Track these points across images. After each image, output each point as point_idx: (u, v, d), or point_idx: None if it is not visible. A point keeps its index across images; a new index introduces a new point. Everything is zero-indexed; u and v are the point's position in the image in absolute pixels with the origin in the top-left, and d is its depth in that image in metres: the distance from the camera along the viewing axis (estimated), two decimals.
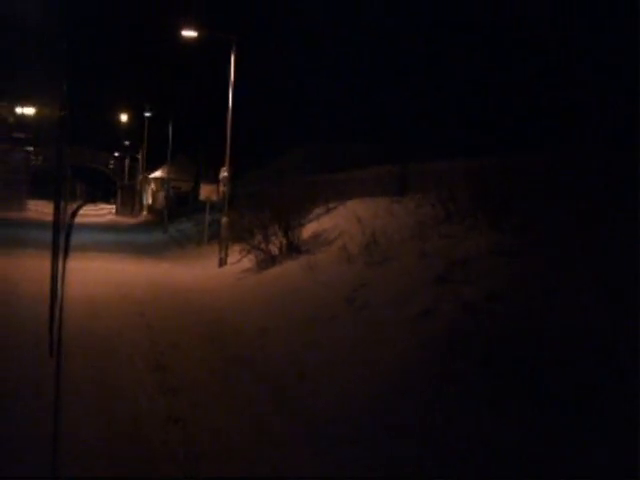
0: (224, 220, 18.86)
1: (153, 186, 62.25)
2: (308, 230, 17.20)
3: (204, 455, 5.50)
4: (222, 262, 18.40)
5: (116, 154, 73.76)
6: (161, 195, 51.72)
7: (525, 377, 5.99)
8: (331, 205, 18.70)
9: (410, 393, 6.61)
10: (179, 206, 46.52)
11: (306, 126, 41.45)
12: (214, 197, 23.08)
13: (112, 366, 7.98)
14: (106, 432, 5.84)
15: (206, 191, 23.24)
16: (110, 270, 17.27)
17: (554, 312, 6.87)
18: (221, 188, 20.29)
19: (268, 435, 6.06)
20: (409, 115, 29.51)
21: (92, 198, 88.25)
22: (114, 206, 73.44)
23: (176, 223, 37.25)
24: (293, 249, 16.08)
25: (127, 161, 71.46)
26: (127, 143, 66.01)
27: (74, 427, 5.79)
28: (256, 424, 6.32)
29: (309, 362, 8.24)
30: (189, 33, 19.86)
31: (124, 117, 64.10)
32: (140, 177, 63.02)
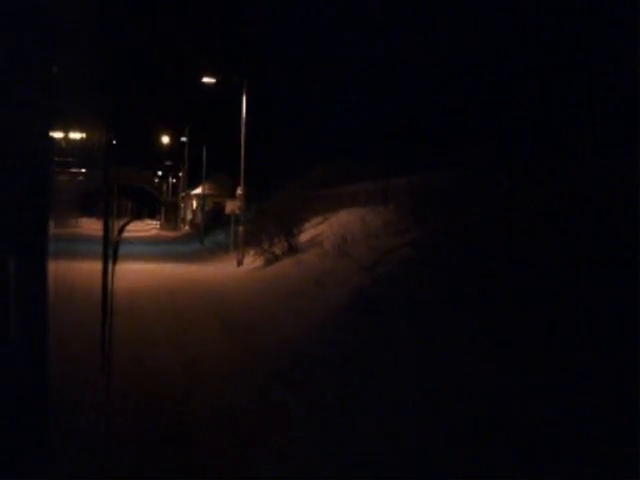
0: (240, 230, 23.18)
1: (194, 202, 67.19)
2: (307, 235, 21.35)
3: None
4: (239, 263, 22.69)
5: (159, 173, 79.19)
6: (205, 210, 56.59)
7: (387, 318, 10.05)
8: (327, 215, 22.82)
9: (329, 323, 10.69)
10: (216, 220, 51.14)
11: (326, 147, 45.75)
12: (237, 211, 27.37)
13: (146, 318, 12.19)
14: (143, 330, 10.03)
15: (230, 206, 27.55)
16: (149, 270, 21.68)
17: (425, 284, 10.89)
18: (237, 203, 24.63)
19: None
20: (403, 134, 33.38)
21: (138, 215, 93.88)
22: (158, 222, 78.71)
23: (212, 235, 41.72)
24: (292, 250, 20.24)
25: (170, 179, 76.83)
26: (169, 163, 71.22)
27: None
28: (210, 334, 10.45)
29: (273, 317, 12.40)
30: (208, 79, 24.41)
31: (165, 139, 69.29)
32: (182, 194, 68.10)
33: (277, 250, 20.61)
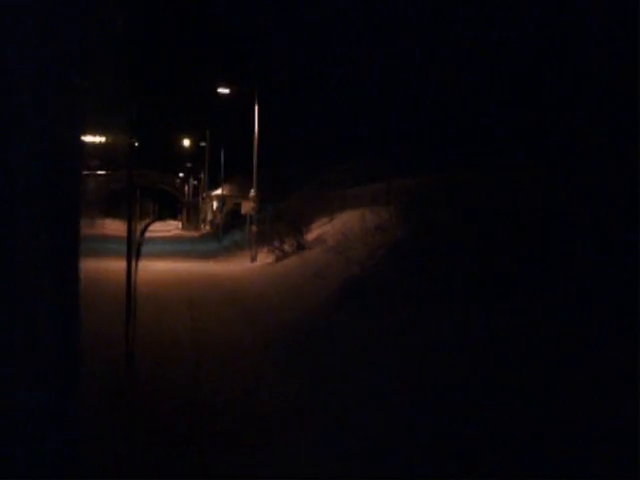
0: (253, 229, 25.14)
1: (215, 203, 69.30)
2: (314, 234, 23.20)
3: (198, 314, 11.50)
4: (253, 259, 24.63)
5: (181, 175, 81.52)
6: (224, 210, 58.82)
7: (369, 298, 11.87)
8: (334, 215, 24.66)
9: (321, 306, 12.52)
10: (235, 220, 53.17)
11: (342, 148, 47.60)
12: (252, 211, 29.32)
13: (161, 310, 14.08)
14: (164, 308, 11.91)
15: (246, 206, 29.52)
16: (169, 266, 23.70)
17: (400, 272, 12.69)
18: (251, 204, 26.61)
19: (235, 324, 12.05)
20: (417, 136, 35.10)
21: (161, 216, 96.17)
22: (180, 222, 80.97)
23: (230, 234, 43.71)
24: (300, 248, 22.10)
25: (191, 181, 79.17)
26: (189, 165, 73.47)
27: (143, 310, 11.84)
28: (225, 320, 12.30)
29: (279, 302, 14.27)
30: (223, 90, 26.51)
31: (187, 142, 71.53)
32: (204, 195, 70.35)
33: (287, 248, 22.49)
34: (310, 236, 23.02)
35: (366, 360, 8.41)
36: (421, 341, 8.49)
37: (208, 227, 66.14)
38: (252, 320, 12.58)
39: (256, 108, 25.30)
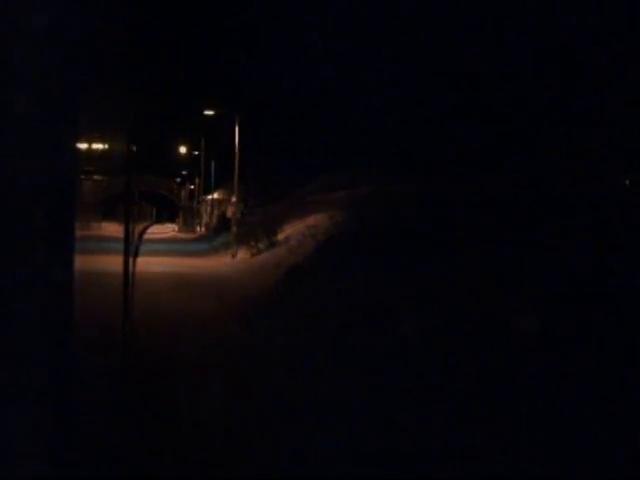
0: (234, 230, 29.75)
1: (209, 207, 73.67)
2: (284, 234, 27.69)
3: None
4: (233, 256, 29.19)
5: (177, 180, 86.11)
6: (214, 214, 63.44)
7: (305, 275, 16.32)
8: (304, 218, 29.14)
9: (272, 285, 16.97)
10: (226, 222, 57.66)
11: (326, 159, 52.21)
12: (237, 215, 33.83)
13: (156, 290, 18.47)
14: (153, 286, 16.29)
15: (231, 211, 34.05)
16: (163, 262, 28.17)
17: (331, 259, 17.16)
18: (232, 209, 31.15)
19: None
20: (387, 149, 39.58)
21: (159, 219, 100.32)
22: (177, 225, 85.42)
23: (220, 236, 48.13)
24: (272, 245, 26.60)
25: (187, 186, 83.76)
26: (185, 172, 78.01)
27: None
28: (198, 300, 16.70)
29: (244, 285, 18.74)
30: (209, 112, 31.20)
31: (183, 149, 76.15)
32: (200, 200, 74.87)
33: (261, 246, 27.05)
34: (281, 236, 27.50)
35: (283, 307, 12.95)
36: (322, 296, 13.00)
37: (204, 229, 70.43)
38: (220, 295, 17.06)
39: (236, 130, 29.90)
